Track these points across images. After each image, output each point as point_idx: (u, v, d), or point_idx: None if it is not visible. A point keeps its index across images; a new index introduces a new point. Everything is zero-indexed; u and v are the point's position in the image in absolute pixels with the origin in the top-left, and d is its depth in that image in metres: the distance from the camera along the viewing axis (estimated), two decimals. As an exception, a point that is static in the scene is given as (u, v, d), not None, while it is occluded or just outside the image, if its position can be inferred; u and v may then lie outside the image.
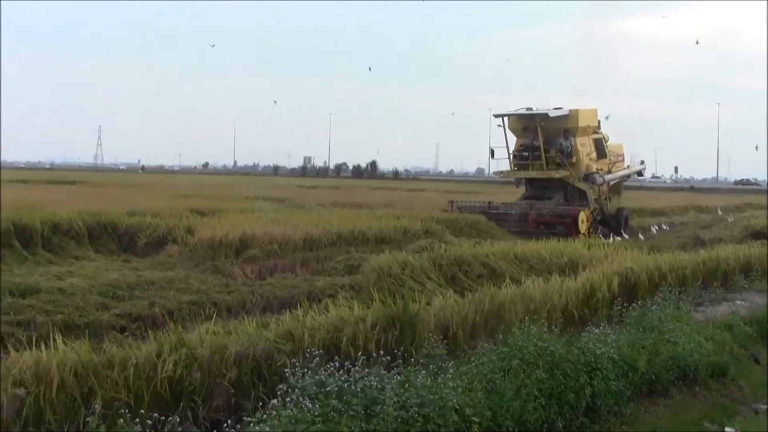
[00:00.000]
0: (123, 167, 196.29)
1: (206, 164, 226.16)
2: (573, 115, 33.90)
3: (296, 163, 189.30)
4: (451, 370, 8.70)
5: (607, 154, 36.51)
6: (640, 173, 44.74)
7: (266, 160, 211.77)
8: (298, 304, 10.59)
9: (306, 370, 7.86)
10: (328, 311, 10.05)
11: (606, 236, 30.19)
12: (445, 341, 9.89)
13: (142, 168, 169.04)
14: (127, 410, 6.91)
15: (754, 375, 12.79)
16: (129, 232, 23.32)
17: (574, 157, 33.50)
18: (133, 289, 15.82)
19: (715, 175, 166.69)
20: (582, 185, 33.71)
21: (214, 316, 11.05)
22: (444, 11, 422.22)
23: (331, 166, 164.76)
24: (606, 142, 36.84)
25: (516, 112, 34.06)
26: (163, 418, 6.99)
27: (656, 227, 36.77)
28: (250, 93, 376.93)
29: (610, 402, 9.98)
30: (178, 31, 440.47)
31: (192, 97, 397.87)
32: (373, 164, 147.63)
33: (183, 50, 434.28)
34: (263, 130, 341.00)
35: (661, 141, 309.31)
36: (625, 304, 13.70)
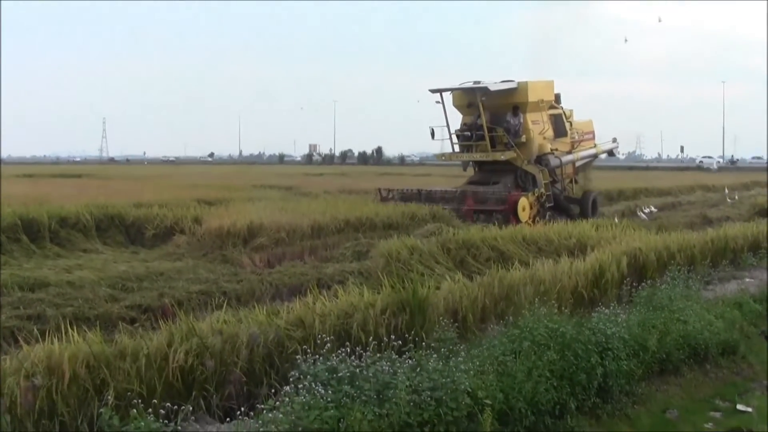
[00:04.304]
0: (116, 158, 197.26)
1: (212, 154, 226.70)
2: (521, 88, 29.94)
3: (302, 151, 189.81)
4: (463, 354, 8.69)
5: (568, 132, 32.70)
6: (611, 152, 39.43)
7: (272, 148, 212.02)
8: (308, 291, 10.57)
9: (317, 356, 7.87)
10: (337, 297, 10.03)
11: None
12: (456, 324, 9.86)
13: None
14: (139, 400, 6.91)
15: (764, 352, 12.74)
16: (136, 224, 23.39)
17: (524, 136, 29.73)
18: (141, 281, 15.90)
19: (721, 154, 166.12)
20: (530, 168, 29.73)
21: (224, 305, 11.02)
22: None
23: (337, 154, 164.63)
24: (568, 118, 33.07)
25: (453, 87, 30.53)
26: (175, 407, 6.98)
27: (649, 208, 35.37)
28: (254, 82, 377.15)
29: (621, 382, 9.95)
30: (180, 22, 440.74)
31: (196, 87, 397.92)
32: (379, 150, 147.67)
33: (186, 40, 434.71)
34: (268, 119, 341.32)
35: (667, 121, 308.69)
36: (634, 284, 13.66)
